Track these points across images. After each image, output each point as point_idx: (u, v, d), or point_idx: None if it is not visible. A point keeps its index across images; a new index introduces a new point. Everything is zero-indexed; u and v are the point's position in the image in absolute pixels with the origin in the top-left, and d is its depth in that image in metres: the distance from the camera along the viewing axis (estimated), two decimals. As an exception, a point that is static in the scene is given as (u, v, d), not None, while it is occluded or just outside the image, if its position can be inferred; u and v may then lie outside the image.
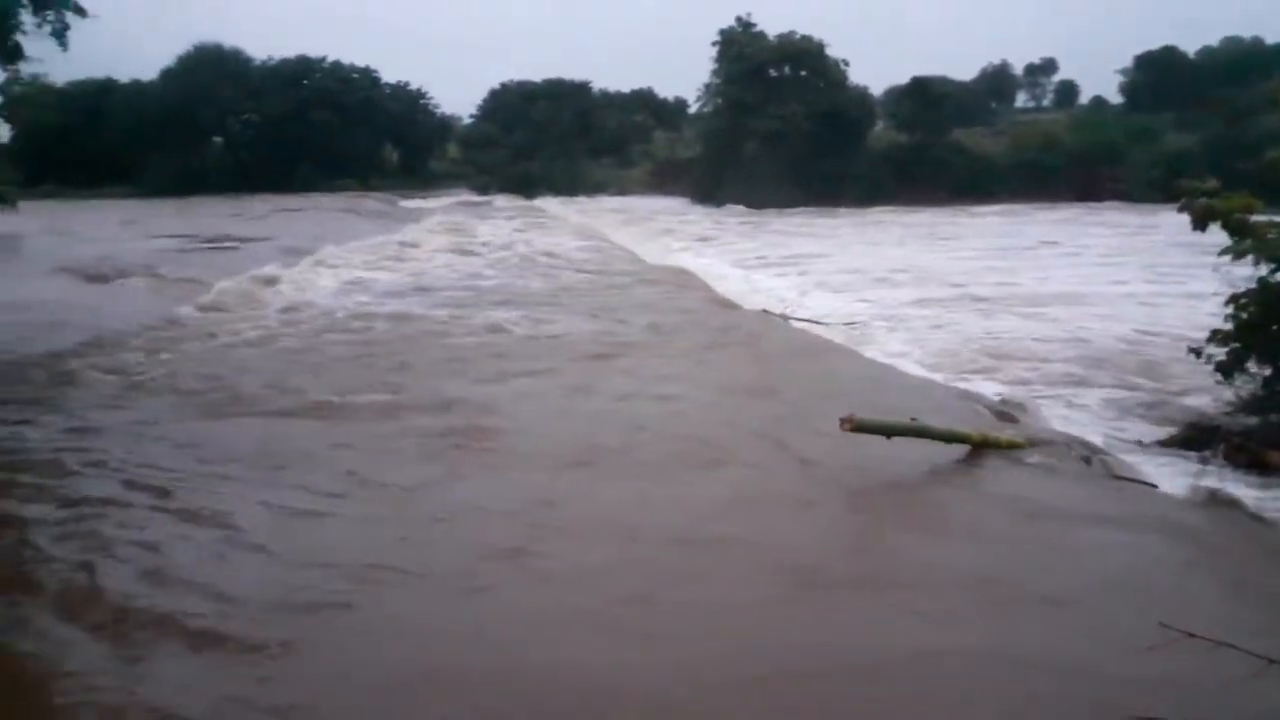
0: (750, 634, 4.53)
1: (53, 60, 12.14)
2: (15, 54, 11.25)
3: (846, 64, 56.56)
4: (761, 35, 56.52)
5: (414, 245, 26.56)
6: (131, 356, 11.36)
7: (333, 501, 6.40)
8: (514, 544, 5.56)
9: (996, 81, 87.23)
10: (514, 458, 7.39)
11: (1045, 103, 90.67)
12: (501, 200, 55.43)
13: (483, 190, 63.14)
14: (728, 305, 15.94)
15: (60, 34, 11.26)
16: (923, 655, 4.32)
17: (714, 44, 57.63)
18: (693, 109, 68.47)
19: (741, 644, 4.43)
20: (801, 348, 12.20)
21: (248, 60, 67.44)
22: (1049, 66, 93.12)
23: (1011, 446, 7.47)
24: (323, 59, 69.20)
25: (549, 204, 53.19)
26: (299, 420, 8.59)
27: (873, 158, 54.86)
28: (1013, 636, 4.56)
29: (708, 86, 60.04)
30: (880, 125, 61.08)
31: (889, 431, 6.95)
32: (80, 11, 11.26)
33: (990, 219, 38.95)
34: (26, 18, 10.83)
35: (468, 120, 76.69)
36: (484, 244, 27.16)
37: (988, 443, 7.42)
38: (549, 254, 24.16)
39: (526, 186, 61.85)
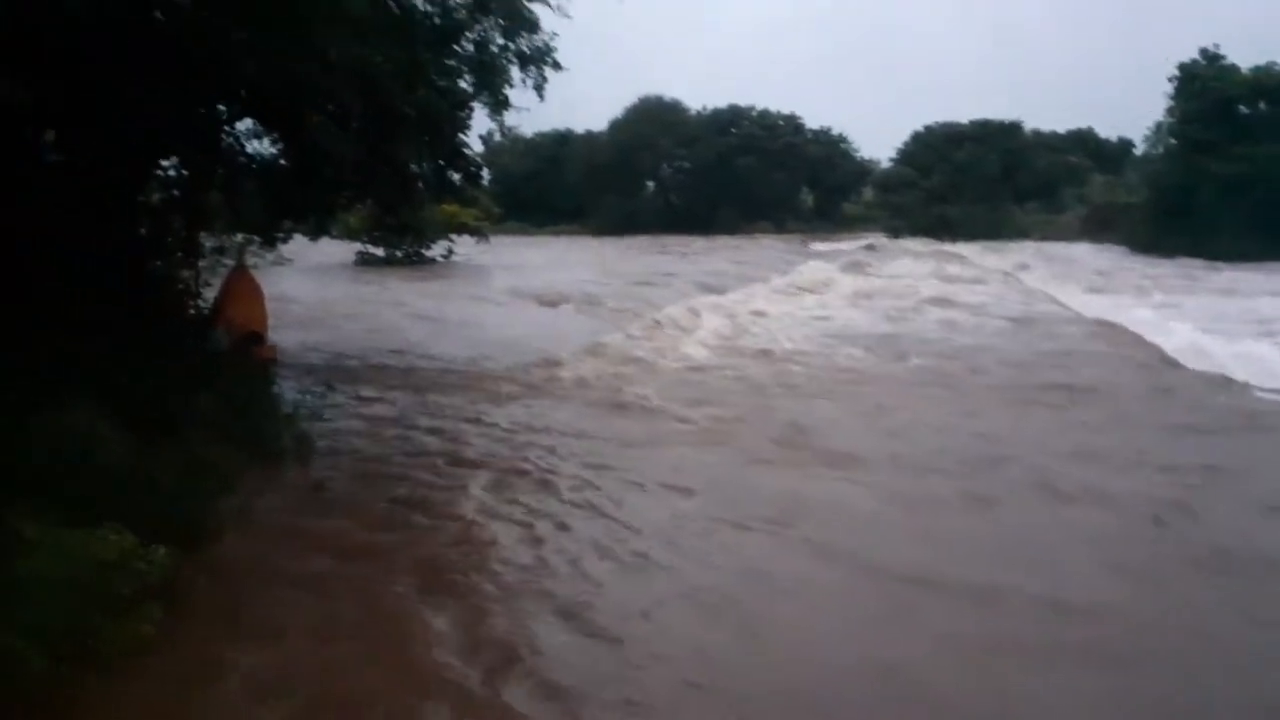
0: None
1: (524, 113, 13.77)
2: (503, 106, 12.94)
3: (1342, 98, 48.02)
4: (1232, 69, 49.83)
5: (825, 285, 26.79)
6: (562, 373, 12.67)
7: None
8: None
9: None
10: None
11: None
12: (915, 244, 54.06)
13: (895, 234, 62.18)
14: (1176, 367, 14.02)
15: (539, 87, 12.83)
16: None
17: (1170, 79, 51.89)
18: (1139, 150, 62.19)
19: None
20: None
21: (684, 110, 72.92)
22: None
23: None
24: (751, 108, 72.84)
25: (965, 249, 50.93)
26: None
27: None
28: None
29: (1159, 126, 54.18)
30: (1387, 168, 50.86)
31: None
32: (557, 66, 12.78)
33: None
34: (515, 73, 12.54)
35: (886, 164, 76.22)
36: (897, 290, 26.63)
37: None
38: (975, 306, 22.66)
39: (941, 230, 59.83)
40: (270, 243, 13.23)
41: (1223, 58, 50.53)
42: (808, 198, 75.75)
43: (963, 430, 9.51)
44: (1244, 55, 50.47)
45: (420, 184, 13.44)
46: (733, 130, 71.28)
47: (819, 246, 51.31)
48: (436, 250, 33.35)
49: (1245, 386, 11.95)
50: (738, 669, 4.57)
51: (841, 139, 74.47)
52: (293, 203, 11.70)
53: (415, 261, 32.36)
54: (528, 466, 7.87)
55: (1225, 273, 34.40)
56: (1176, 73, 51.60)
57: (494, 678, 4.41)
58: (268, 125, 11.24)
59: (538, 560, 5.82)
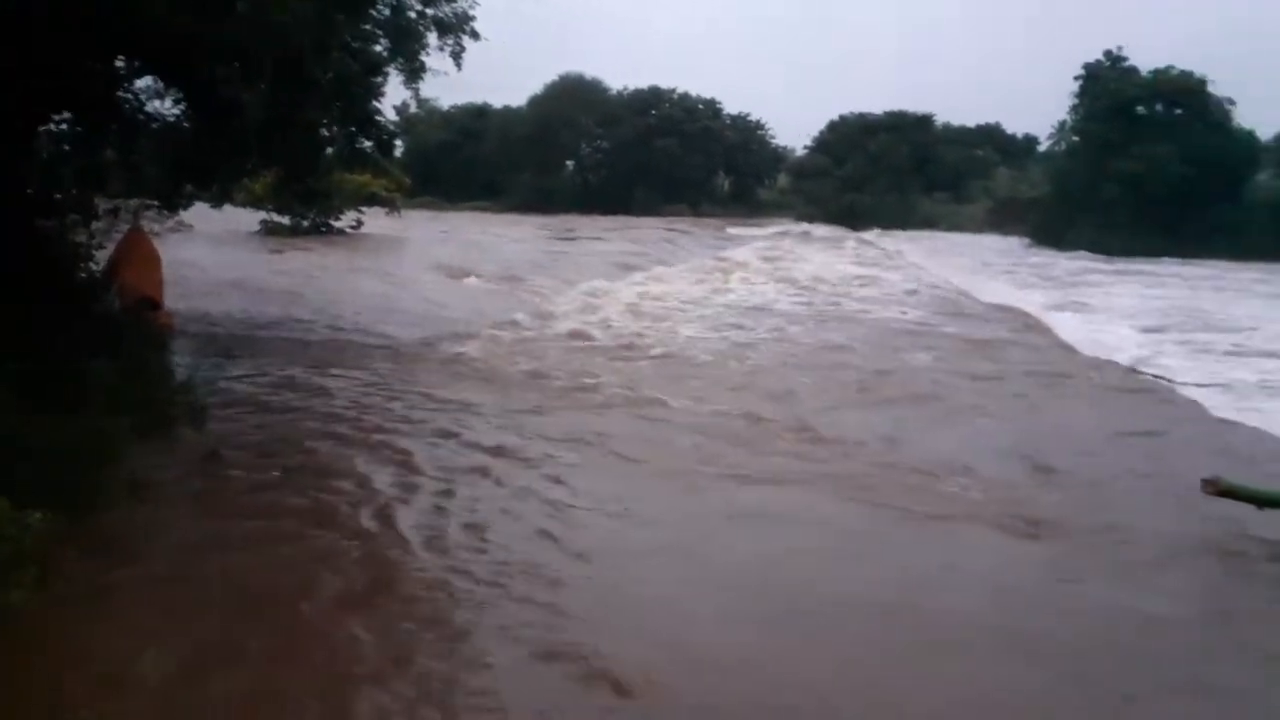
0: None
1: (440, 85, 13.51)
2: (419, 73, 12.66)
3: (1232, 103, 50.47)
4: (1132, 70, 51.86)
5: (743, 265, 27.13)
6: (469, 348, 12.61)
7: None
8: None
9: None
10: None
11: None
12: (825, 230, 54.82)
13: (808, 220, 63.09)
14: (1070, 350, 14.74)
15: (457, 56, 12.60)
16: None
17: (1076, 78, 53.80)
18: (1043, 147, 64.29)
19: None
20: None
21: (605, 90, 72.46)
22: None
23: None
24: (672, 90, 72.80)
25: (876, 237, 51.86)
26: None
27: (1255, 208, 48.32)
28: None
29: (1062, 124, 56.13)
30: (1266, 174, 53.62)
31: (1260, 500, 6.04)
32: (475, 35, 12.55)
33: None
34: (431, 39, 12.29)
35: (801, 151, 77.25)
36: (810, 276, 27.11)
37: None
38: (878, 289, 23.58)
39: (852, 218, 61.03)
40: (171, 207, 12.73)
41: (1125, 59, 52.48)
42: (724, 182, 76.25)
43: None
44: (1146, 58, 52.40)
45: (330, 150, 13.11)
46: (653, 112, 71.16)
47: (734, 230, 51.64)
48: (345, 220, 32.52)
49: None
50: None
51: (759, 125, 75.13)
52: (195, 166, 11.24)
53: (322, 231, 31.49)
54: (417, 437, 7.87)
55: (1117, 264, 35.96)
56: (1081, 73, 53.49)
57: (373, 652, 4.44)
58: (170, 82, 10.79)
59: (421, 521, 5.86)
